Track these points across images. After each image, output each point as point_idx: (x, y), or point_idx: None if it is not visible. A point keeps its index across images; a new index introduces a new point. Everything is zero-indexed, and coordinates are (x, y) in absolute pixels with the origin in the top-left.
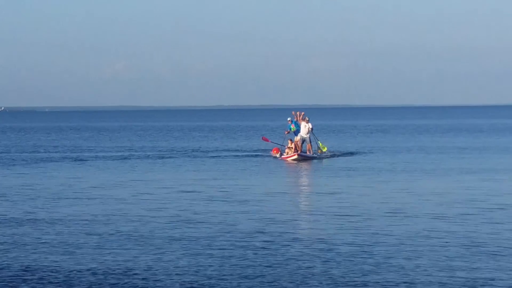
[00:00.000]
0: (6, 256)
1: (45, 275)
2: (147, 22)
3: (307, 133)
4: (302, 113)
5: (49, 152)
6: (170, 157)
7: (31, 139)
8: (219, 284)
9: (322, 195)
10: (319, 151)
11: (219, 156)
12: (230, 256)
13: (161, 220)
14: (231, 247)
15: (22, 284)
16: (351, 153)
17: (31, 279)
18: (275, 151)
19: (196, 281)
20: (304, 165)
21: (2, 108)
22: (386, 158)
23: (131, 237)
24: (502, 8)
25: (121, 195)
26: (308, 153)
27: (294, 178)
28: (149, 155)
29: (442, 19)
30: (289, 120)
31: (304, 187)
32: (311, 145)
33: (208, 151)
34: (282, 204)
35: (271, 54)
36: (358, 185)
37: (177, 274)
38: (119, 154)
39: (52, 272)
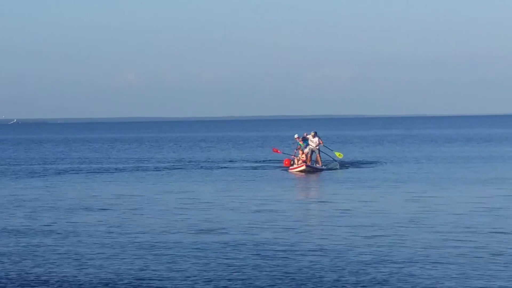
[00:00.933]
0: (20, 265)
1: (57, 285)
2: (157, 31)
3: (317, 146)
4: (305, 134)
5: (61, 163)
6: (180, 168)
7: (46, 151)
8: None
9: (330, 204)
10: (338, 155)
11: (228, 167)
12: (243, 265)
13: (173, 230)
14: (243, 256)
15: None
16: (360, 163)
17: None
18: (286, 162)
19: None
20: (312, 176)
21: (15, 120)
22: (394, 168)
23: (143, 247)
24: None
25: (134, 206)
26: (317, 164)
27: (303, 189)
28: (163, 166)
29: (451, 28)
30: (296, 138)
31: (313, 198)
32: (320, 156)
33: (219, 161)
34: (293, 214)
35: (281, 63)
36: (368, 195)
37: (189, 285)
38: (131, 165)
39: (65, 281)
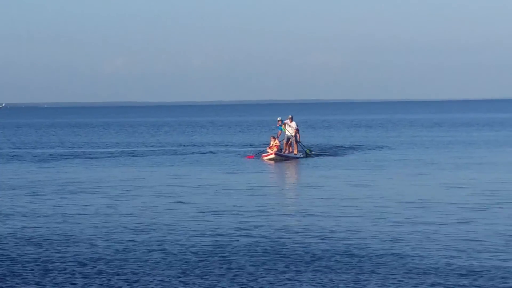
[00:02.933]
0: (7, 246)
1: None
2: (146, 18)
3: (294, 133)
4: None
5: (50, 148)
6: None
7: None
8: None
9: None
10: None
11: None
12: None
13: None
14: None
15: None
16: (330, 150)
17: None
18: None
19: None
20: (286, 164)
21: (3, 104)
22: (367, 154)
23: (132, 229)
24: None
25: (113, 192)
26: (290, 151)
27: (279, 175)
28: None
29: (445, 12)
30: (279, 120)
31: (290, 184)
32: (297, 144)
33: (200, 145)
34: (273, 202)
35: (271, 48)
36: (352, 179)
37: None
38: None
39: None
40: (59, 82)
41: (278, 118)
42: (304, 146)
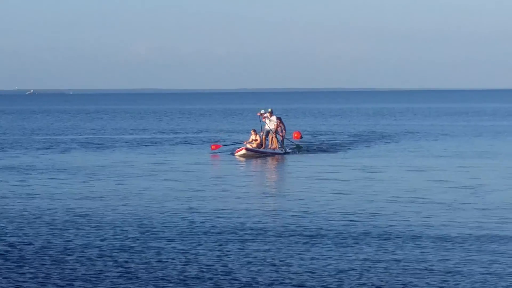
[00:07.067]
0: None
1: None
2: (172, 6)
3: (275, 128)
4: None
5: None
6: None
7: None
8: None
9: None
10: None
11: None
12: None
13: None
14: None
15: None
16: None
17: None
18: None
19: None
20: (259, 161)
21: (32, 91)
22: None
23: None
24: None
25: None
26: (270, 146)
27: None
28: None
29: (468, 3)
30: (261, 113)
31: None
32: (277, 139)
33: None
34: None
35: (294, 37)
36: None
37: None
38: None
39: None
40: (84, 69)
41: (261, 111)
42: (293, 141)
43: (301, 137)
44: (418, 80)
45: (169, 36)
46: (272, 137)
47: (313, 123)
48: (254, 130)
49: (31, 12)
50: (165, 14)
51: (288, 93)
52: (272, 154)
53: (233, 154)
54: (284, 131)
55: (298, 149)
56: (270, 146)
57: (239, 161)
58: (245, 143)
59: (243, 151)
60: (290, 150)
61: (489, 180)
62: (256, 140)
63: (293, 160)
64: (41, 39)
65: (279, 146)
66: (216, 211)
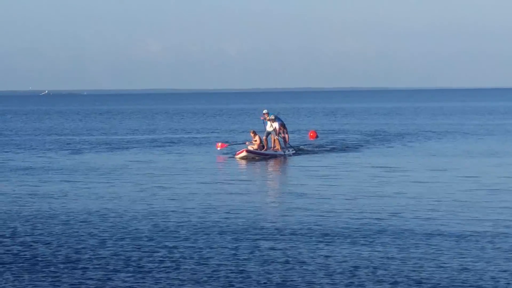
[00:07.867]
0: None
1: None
2: (182, 6)
3: (277, 132)
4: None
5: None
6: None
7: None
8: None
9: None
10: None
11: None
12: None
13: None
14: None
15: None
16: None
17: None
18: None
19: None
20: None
21: (46, 91)
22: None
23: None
24: None
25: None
26: (273, 148)
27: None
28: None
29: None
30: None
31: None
32: (278, 141)
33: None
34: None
35: (302, 35)
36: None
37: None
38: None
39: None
40: (97, 70)
41: (265, 111)
42: (291, 146)
43: (317, 137)
44: (432, 79)
45: (182, 35)
46: (275, 139)
47: (324, 122)
48: (253, 131)
49: (45, 13)
50: (177, 13)
51: (301, 92)
52: (274, 156)
53: (233, 156)
54: (287, 135)
55: (300, 151)
56: (273, 147)
57: (246, 162)
58: (247, 143)
59: (244, 153)
60: (292, 152)
61: (507, 179)
62: (256, 141)
63: (306, 160)
64: (56, 39)
65: (282, 147)
66: (229, 211)
